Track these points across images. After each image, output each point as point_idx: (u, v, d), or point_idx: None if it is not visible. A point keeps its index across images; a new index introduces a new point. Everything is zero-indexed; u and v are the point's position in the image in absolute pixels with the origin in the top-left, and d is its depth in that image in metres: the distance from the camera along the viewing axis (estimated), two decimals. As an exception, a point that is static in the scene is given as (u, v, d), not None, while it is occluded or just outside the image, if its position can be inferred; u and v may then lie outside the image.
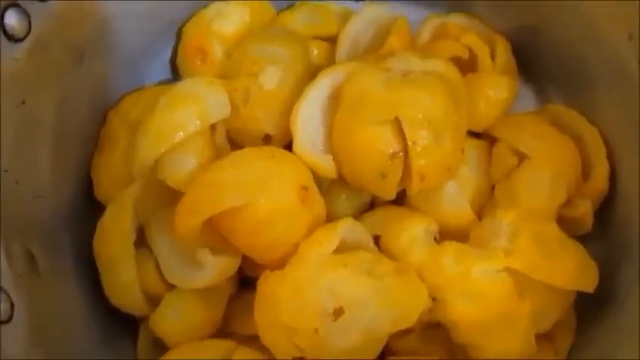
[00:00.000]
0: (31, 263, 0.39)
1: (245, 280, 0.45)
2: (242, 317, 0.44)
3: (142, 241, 0.44)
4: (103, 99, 0.50)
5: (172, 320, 0.43)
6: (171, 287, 0.43)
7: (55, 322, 0.40)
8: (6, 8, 0.37)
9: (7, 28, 0.37)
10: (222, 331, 0.44)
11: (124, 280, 0.43)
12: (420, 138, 0.39)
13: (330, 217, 0.43)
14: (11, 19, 0.37)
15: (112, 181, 0.47)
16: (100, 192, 0.47)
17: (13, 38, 0.38)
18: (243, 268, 0.43)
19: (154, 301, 0.44)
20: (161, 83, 0.54)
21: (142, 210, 0.44)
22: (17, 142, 0.40)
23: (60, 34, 0.42)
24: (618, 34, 0.43)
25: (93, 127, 0.49)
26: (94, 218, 0.45)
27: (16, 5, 0.37)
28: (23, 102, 0.40)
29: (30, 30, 0.39)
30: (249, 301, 0.40)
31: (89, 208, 0.47)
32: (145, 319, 0.45)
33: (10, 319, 0.35)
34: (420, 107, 0.39)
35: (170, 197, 0.43)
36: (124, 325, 0.46)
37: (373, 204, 0.47)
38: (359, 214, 0.45)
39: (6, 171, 0.39)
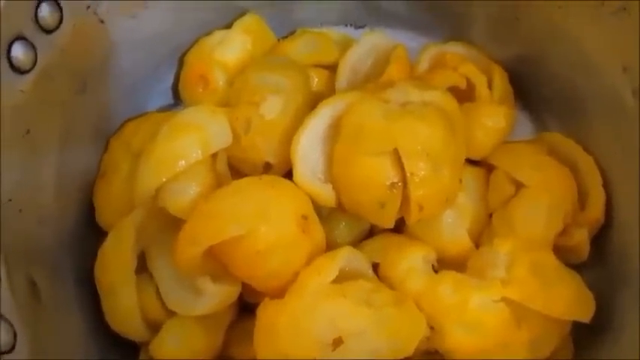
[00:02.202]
0: (33, 291, 0.40)
1: (245, 306, 0.46)
2: (242, 344, 0.44)
3: (143, 266, 0.45)
4: (105, 125, 0.50)
5: (172, 346, 0.43)
6: (171, 313, 0.43)
7: (56, 349, 0.41)
8: (12, 41, 0.38)
9: (14, 60, 0.38)
10: (222, 358, 0.45)
11: (125, 307, 0.43)
12: (418, 169, 0.40)
13: (330, 245, 0.43)
14: (18, 51, 0.38)
15: (113, 207, 0.47)
16: (102, 218, 0.48)
17: (19, 70, 0.38)
18: (243, 294, 0.43)
19: (154, 327, 0.44)
20: (163, 109, 0.55)
21: (143, 236, 0.44)
22: (22, 171, 0.40)
23: (64, 64, 0.43)
24: (613, 65, 0.43)
25: (95, 154, 0.49)
26: (96, 244, 0.45)
27: (22, 38, 0.38)
28: (28, 131, 0.40)
29: (36, 62, 0.39)
30: (249, 328, 0.40)
31: (91, 234, 0.47)
32: (145, 344, 0.45)
33: (12, 348, 0.35)
34: (419, 139, 0.40)
35: (171, 224, 0.43)
36: (125, 351, 0.46)
37: (372, 231, 0.47)
38: (358, 242, 0.46)
39: (10, 200, 0.39)
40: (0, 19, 0.36)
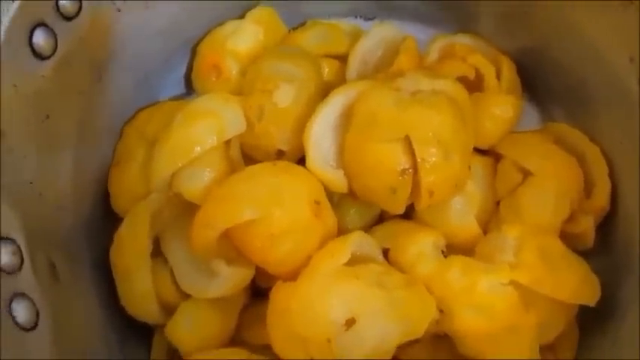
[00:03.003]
0: (52, 273, 0.41)
1: (257, 291, 0.46)
2: (254, 327, 0.45)
3: (157, 251, 0.46)
4: (120, 113, 0.51)
5: (187, 329, 0.44)
6: (186, 296, 0.44)
7: (74, 329, 0.42)
8: (34, 27, 0.38)
9: (35, 46, 0.39)
10: (235, 341, 0.45)
11: (140, 290, 0.44)
12: (429, 155, 0.41)
13: (341, 230, 0.44)
14: (39, 38, 0.39)
15: (128, 193, 0.48)
16: (117, 204, 0.49)
17: (40, 56, 0.39)
18: (255, 278, 0.44)
19: (168, 310, 0.45)
20: (175, 98, 0.56)
21: (157, 221, 0.45)
22: (41, 155, 0.41)
23: (82, 51, 0.43)
24: (619, 56, 0.44)
25: (110, 141, 0.50)
26: (111, 229, 0.46)
27: (44, 25, 0.39)
28: (47, 117, 0.41)
29: (56, 48, 0.40)
30: (262, 312, 0.41)
31: (107, 219, 0.48)
32: (159, 327, 0.46)
33: (35, 326, 0.36)
34: (430, 126, 0.41)
35: (185, 209, 0.44)
36: (140, 334, 0.47)
37: (382, 218, 0.48)
38: (368, 228, 0.47)
39: (31, 183, 0.40)
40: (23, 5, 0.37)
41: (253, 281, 0.45)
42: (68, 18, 0.41)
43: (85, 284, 0.45)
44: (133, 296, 0.45)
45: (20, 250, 0.37)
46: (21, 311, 0.35)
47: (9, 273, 0.36)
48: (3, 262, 0.35)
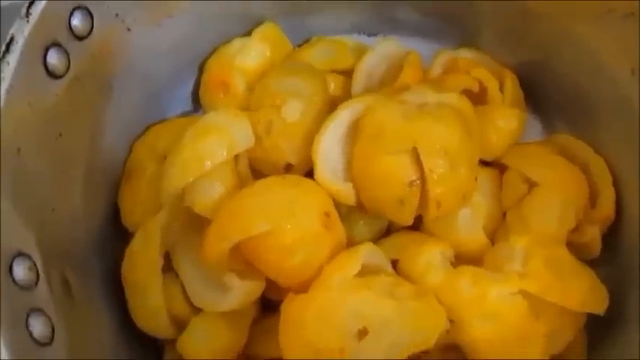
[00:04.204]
0: (66, 289, 0.41)
1: (266, 304, 0.47)
2: (264, 340, 0.45)
3: (168, 266, 0.46)
4: (129, 129, 0.52)
5: (200, 342, 0.44)
6: (197, 311, 0.45)
7: (87, 345, 0.42)
8: (48, 47, 0.39)
9: (50, 66, 0.39)
10: (245, 354, 0.46)
11: (152, 305, 0.44)
12: (436, 167, 0.41)
13: (349, 242, 0.44)
14: (53, 57, 0.39)
15: (138, 208, 0.49)
16: (127, 219, 0.49)
17: (53, 75, 0.40)
18: (265, 291, 0.44)
19: (179, 324, 0.45)
20: (183, 115, 0.56)
21: (168, 236, 0.46)
22: (54, 172, 0.42)
23: (93, 70, 0.44)
24: (621, 69, 0.45)
25: (119, 157, 0.51)
26: (122, 245, 0.46)
27: (57, 44, 0.40)
28: (60, 134, 0.42)
29: (69, 67, 0.41)
30: (271, 324, 0.42)
31: (117, 235, 0.48)
32: (169, 343, 0.47)
33: (51, 341, 0.36)
34: (437, 138, 0.42)
35: (195, 223, 0.45)
36: (151, 349, 0.48)
37: (390, 229, 0.48)
38: (376, 240, 0.47)
39: (44, 199, 0.41)
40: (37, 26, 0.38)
41: (262, 294, 0.45)
42: (80, 38, 0.42)
43: (97, 300, 0.45)
44: (144, 311, 0.45)
45: (36, 266, 0.37)
46: (37, 326, 0.35)
47: (25, 288, 0.36)
48: (19, 277, 0.35)
